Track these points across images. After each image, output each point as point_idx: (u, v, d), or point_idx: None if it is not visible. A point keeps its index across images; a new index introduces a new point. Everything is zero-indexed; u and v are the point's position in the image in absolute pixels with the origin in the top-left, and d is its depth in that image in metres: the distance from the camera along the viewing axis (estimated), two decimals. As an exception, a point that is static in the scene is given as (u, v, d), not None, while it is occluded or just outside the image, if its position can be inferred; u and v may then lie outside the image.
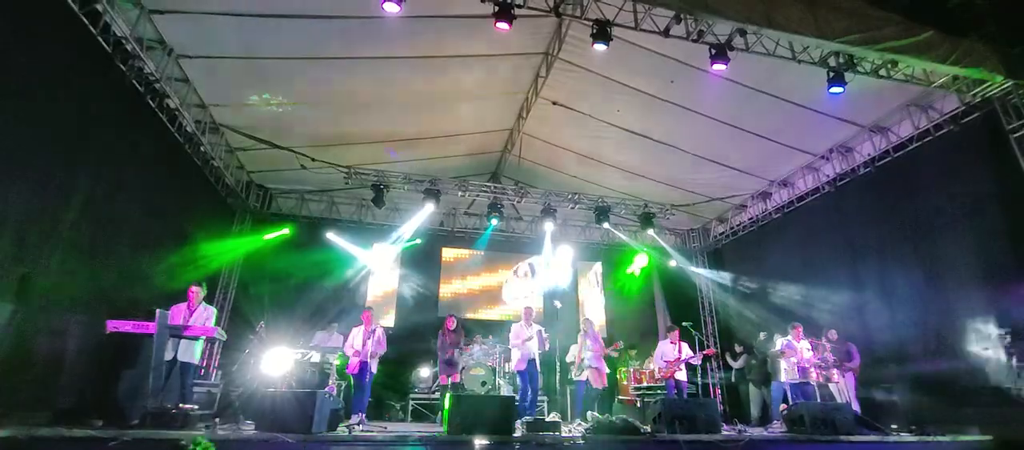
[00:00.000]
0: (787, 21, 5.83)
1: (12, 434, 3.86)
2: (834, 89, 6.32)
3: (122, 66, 5.95)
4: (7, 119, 4.71)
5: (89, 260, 5.91)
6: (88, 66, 5.63)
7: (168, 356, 5.23)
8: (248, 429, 4.95)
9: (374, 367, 6.97)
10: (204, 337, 5.77)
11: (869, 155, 8.14)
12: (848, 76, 6.29)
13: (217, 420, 5.18)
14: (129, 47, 5.85)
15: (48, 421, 4.54)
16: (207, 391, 6.30)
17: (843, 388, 7.49)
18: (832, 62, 6.37)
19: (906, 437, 5.96)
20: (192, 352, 5.59)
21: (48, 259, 5.36)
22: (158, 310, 5.02)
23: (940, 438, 5.76)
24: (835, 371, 7.42)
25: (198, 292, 5.86)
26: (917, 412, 6.75)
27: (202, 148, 7.84)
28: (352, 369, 6.87)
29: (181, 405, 5.03)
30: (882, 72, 6.50)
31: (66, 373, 5.53)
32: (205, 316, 5.71)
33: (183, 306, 5.75)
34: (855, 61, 6.30)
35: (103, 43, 5.60)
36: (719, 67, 6.09)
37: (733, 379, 9.76)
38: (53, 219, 5.45)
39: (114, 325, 4.79)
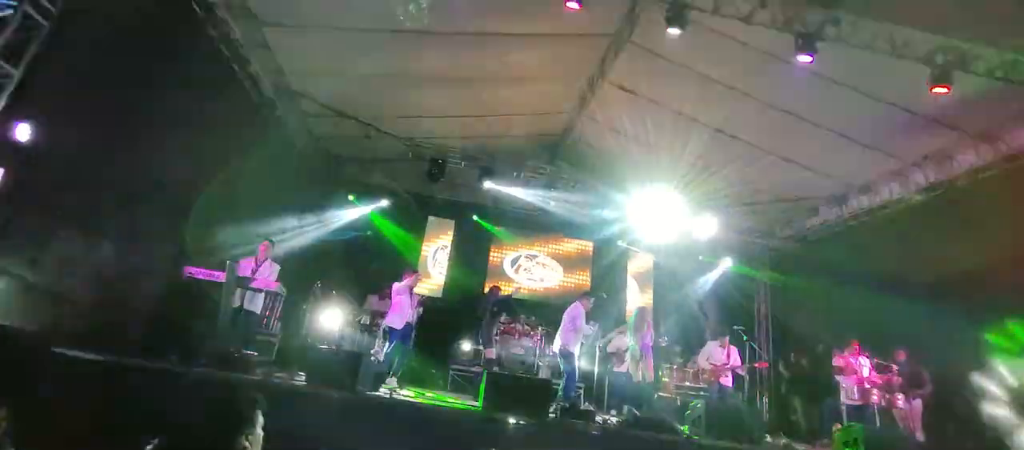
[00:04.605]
0: (892, 9, 5.22)
1: (103, 359, 4.38)
2: (937, 90, 5.65)
3: (213, 31, 6.35)
4: (120, 87, 5.16)
5: (178, 212, 6.47)
6: (186, 33, 6.04)
7: (235, 304, 5.68)
8: (300, 380, 5.31)
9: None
10: (266, 290, 6.19)
11: (971, 166, 7.26)
12: (957, 76, 5.60)
13: (273, 368, 5.59)
14: (220, 13, 6.22)
15: (134, 352, 5.10)
16: (267, 340, 6.80)
17: (908, 415, 6.94)
18: (939, 59, 5.68)
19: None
20: (256, 303, 6.05)
21: (147, 210, 5.93)
22: (228, 261, 5.44)
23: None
24: (900, 395, 6.86)
25: (269, 247, 6.31)
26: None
27: (277, 113, 8.28)
28: (396, 324, 6.94)
29: (244, 350, 5.47)
30: (999, 73, 5.72)
31: (150, 311, 6.14)
32: (269, 271, 6.13)
33: (252, 260, 6.20)
34: (968, 59, 5.58)
35: (196, 8, 5.99)
36: (805, 59, 5.62)
37: (783, 390, 9.29)
38: (151, 176, 6.01)
39: (191, 271, 5.26)
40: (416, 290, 7.42)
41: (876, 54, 5.78)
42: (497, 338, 7.65)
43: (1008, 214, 6.80)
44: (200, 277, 5.25)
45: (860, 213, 9.11)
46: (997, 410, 6.47)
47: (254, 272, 5.96)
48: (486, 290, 7.79)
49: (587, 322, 6.91)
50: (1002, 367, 6.65)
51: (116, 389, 3.92)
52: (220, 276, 5.28)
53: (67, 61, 4.70)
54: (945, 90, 5.65)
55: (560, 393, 6.51)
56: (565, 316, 7.02)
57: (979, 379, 6.82)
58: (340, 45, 7.17)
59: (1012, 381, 6.49)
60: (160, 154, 5.98)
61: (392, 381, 6.54)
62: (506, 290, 9.24)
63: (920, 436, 6.66)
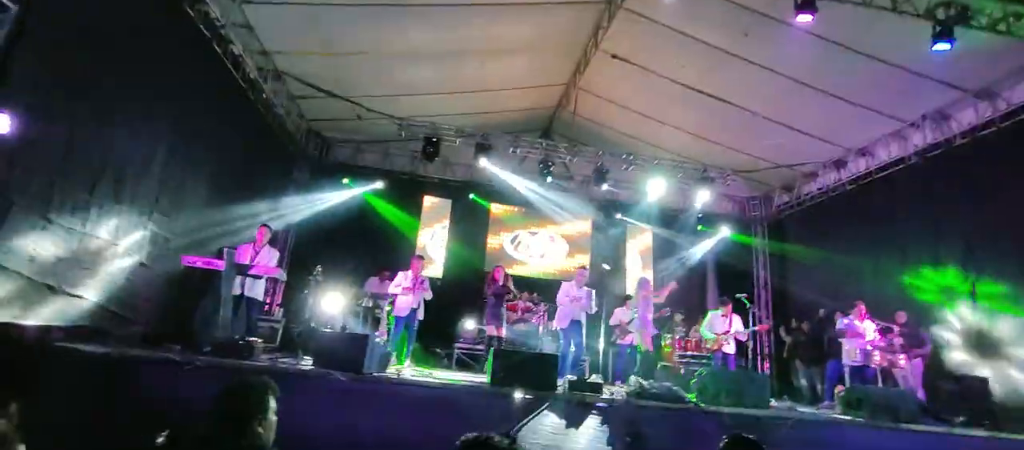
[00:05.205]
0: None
1: (108, 352, 4.32)
2: (939, 46, 5.55)
3: (190, 11, 6.11)
4: (100, 73, 4.97)
5: (168, 200, 6.33)
6: (163, 13, 5.80)
7: (235, 292, 5.59)
8: (306, 364, 5.29)
9: (421, 314, 7.08)
10: (266, 276, 6.11)
11: (970, 124, 7.21)
12: (958, 31, 5.50)
13: (278, 354, 5.55)
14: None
15: (136, 343, 5.04)
16: (270, 326, 6.75)
17: (908, 375, 7.05)
18: (940, 14, 5.56)
19: (975, 432, 5.55)
20: (257, 289, 5.96)
21: (138, 199, 5.79)
22: (226, 248, 5.33)
23: (1017, 436, 5.33)
24: (902, 356, 6.97)
25: (266, 233, 6.20)
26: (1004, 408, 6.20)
27: (264, 95, 8.06)
28: (402, 311, 6.96)
29: (247, 337, 5.41)
30: (1000, 27, 5.62)
31: (150, 302, 6.06)
32: (268, 257, 6.03)
33: (250, 246, 6.10)
34: (970, 13, 5.48)
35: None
36: (804, 18, 5.50)
37: (785, 354, 9.41)
38: (146, 162, 5.86)
39: (188, 260, 5.16)
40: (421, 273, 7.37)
41: (876, 11, 5.68)
42: (501, 315, 7.64)
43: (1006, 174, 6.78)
44: (198, 266, 5.16)
45: (859, 176, 9.10)
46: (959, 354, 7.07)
47: (253, 258, 5.87)
48: (495, 273, 7.76)
49: (583, 287, 7.00)
50: (951, 315, 7.19)
51: (123, 382, 3.88)
52: (219, 264, 5.19)
53: (39, 47, 4.49)
54: (947, 46, 5.56)
55: (565, 366, 6.58)
56: (558, 297, 7.14)
57: (939, 330, 7.27)
58: (323, 22, 6.94)
59: (964, 325, 7.05)
60: (144, 140, 5.80)
61: (407, 362, 6.61)
62: (508, 269, 9.18)
63: (921, 394, 6.76)
